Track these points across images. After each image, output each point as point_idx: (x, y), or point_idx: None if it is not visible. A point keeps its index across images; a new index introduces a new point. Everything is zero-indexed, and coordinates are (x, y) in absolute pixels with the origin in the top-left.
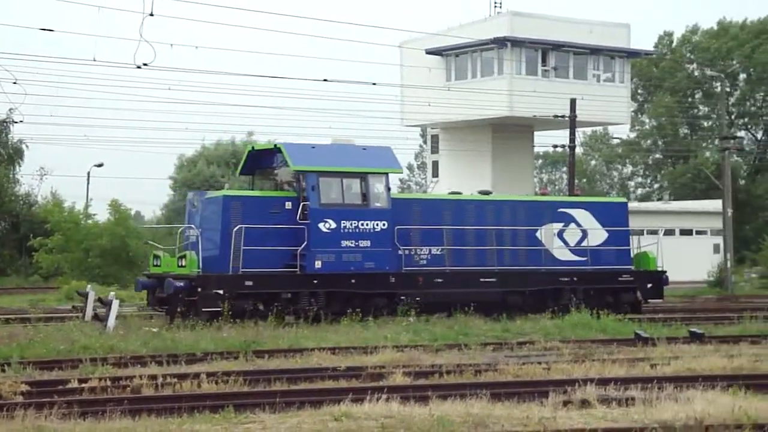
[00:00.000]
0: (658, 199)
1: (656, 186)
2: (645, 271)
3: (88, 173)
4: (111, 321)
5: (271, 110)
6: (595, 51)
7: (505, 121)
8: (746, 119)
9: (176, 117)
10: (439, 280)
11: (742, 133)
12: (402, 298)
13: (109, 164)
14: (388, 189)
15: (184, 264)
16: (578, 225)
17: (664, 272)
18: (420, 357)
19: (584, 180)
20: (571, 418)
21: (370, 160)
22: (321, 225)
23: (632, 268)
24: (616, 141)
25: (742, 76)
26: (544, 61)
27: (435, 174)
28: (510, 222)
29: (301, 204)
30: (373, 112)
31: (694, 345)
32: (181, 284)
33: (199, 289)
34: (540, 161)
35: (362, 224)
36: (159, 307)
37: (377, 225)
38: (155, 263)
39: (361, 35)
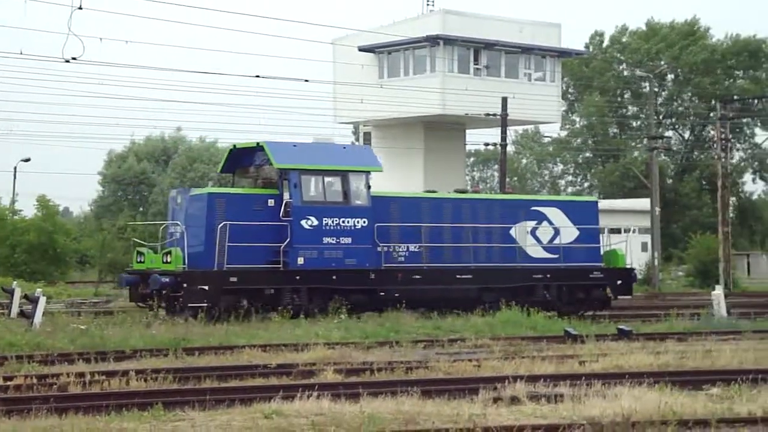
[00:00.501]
0: None
1: (586, 184)
2: (615, 268)
3: (15, 168)
4: (37, 318)
5: (201, 106)
6: (526, 50)
7: (437, 119)
8: (674, 119)
9: (105, 112)
10: (417, 277)
11: (669, 133)
12: (382, 294)
13: (37, 159)
14: (368, 187)
15: (169, 260)
16: (550, 223)
17: (633, 269)
18: (351, 354)
19: (515, 178)
20: (501, 415)
21: (350, 159)
22: (303, 222)
23: (603, 265)
24: (547, 139)
25: (670, 76)
26: (476, 59)
27: None
28: (485, 220)
29: (284, 201)
30: (305, 109)
31: (622, 342)
32: (167, 280)
33: (185, 285)
34: (472, 159)
35: (343, 221)
36: (142, 303)
37: (358, 222)
38: (139, 260)
39: (294, 32)
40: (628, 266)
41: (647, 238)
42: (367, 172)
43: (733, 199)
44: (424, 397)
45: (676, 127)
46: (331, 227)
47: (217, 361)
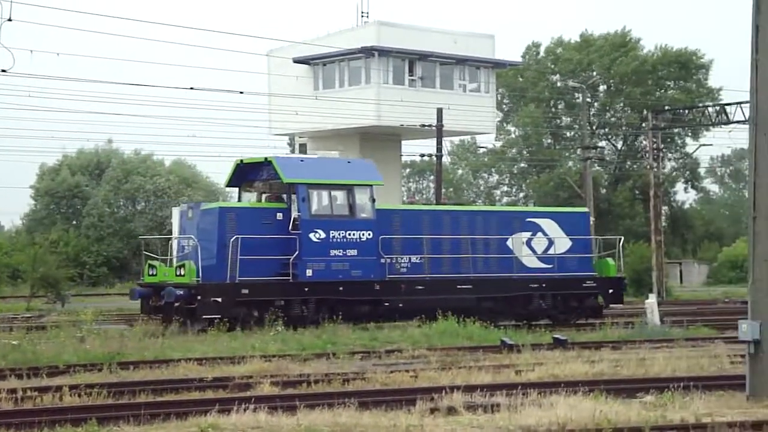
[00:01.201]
0: None
1: (521, 195)
2: (606, 277)
3: None
4: None
5: (135, 118)
6: (461, 61)
7: (372, 130)
8: (607, 129)
9: (36, 125)
10: (420, 287)
11: (603, 143)
12: (386, 304)
13: None
14: (373, 200)
15: (183, 273)
16: (545, 234)
17: (623, 278)
18: (288, 366)
19: (451, 189)
20: (438, 426)
21: (354, 173)
22: (311, 235)
23: (596, 274)
24: (482, 150)
25: (603, 87)
26: (411, 70)
27: None
28: (483, 231)
29: (293, 215)
30: (240, 121)
31: (557, 351)
32: (182, 293)
33: (199, 297)
34: (408, 170)
35: (349, 234)
36: (154, 315)
37: (363, 235)
38: (151, 273)
39: (229, 43)
40: (619, 275)
41: None
42: (371, 186)
43: (665, 208)
44: (361, 408)
45: (609, 137)
46: (338, 240)
47: (152, 375)
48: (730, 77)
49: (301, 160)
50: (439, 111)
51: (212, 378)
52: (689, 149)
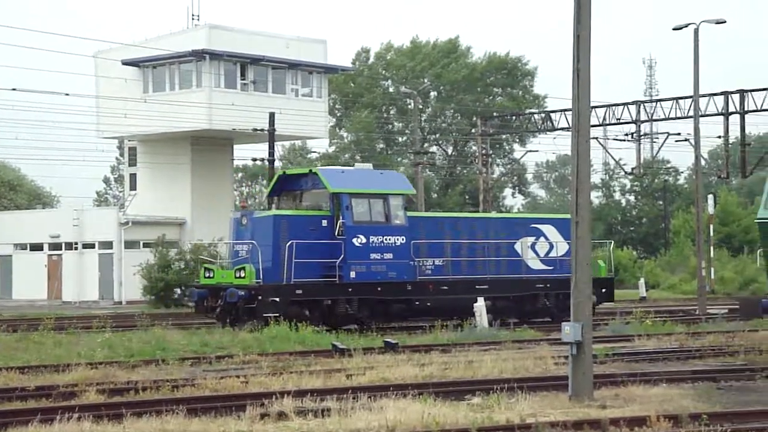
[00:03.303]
0: None
1: None
2: (599, 278)
3: None
4: None
5: None
6: (293, 66)
7: (204, 134)
8: (438, 135)
9: None
10: (445, 288)
11: (434, 149)
12: (416, 303)
13: None
14: (405, 208)
15: (243, 275)
16: (546, 238)
17: (613, 279)
18: (115, 374)
19: None
20: (267, 431)
21: (388, 183)
22: (354, 240)
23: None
24: (315, 155)
25: (433, 93)
26: (242, 74)
27: (133, 187)
28: (495, 236)
29: (339, 222)
30: (66, 123)
31: (388, 355)
32: (243, 293)
33: (260, 297)
34: (240, 174)
35: (386, 239)
36: (210, 314)
37: (397, 240)
38: (207, 275)
39: (54, 44)
40: (609, 275)
41: None
42: (404, 195)
43: (494, 212)
44: (191, 415)
45: (440, 142)
46: (377, 244)
47: None
48: (555, 85)
49: (342, 172)
50: (272, 115)
51: (35, 387)
52: (516, 155)
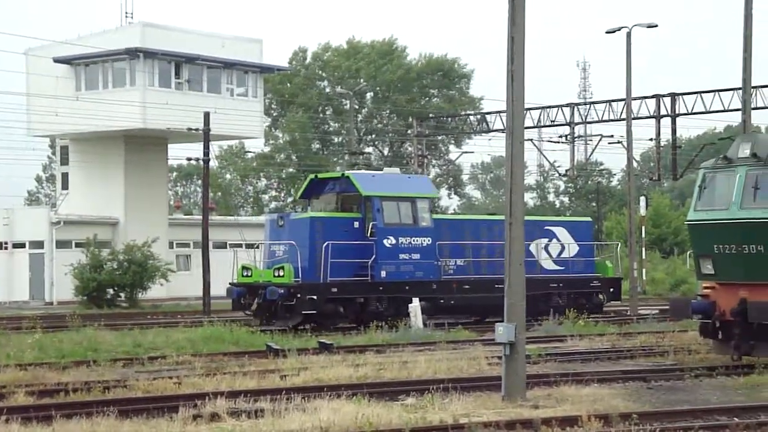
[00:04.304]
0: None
1: (290, 199)
2: (607, 277)
3: None
4: None
5: None
6: (228, 65)
7: (138, 133)
8: (374, 136)
9: None
10: (467, 287)
11: (370, 149)
12: (441, 301)
13: None
14: (430, 211)
15: (281, 274)
16: (558, 240)
17: (620, 278)
18: (45, 375)
19: (219, 193)
20: None
21: (415, 187)
22: (385, 241)
23: (600, 275)
24: (250, 155)
25: (370, 94)
26: (177, 73)
27: (65, 186)
28: None
29: (371, 223)
30: None
31: (323, 355)
32: (282, 291)
33: (298, 295)
34: (175, 174)
35: (413, 240)
36: (248, 311)
37: (424, 241)
38: (245, 274)
39: None
40: (617, 276)
41: None
42: (430, 198)
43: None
44: (122, 417)
45: (376, 143)
46: (405, 245)
47: None
48: (490, 87)
49: (373, 176)
50: (206, 115)
51: None
52: (452, 156)
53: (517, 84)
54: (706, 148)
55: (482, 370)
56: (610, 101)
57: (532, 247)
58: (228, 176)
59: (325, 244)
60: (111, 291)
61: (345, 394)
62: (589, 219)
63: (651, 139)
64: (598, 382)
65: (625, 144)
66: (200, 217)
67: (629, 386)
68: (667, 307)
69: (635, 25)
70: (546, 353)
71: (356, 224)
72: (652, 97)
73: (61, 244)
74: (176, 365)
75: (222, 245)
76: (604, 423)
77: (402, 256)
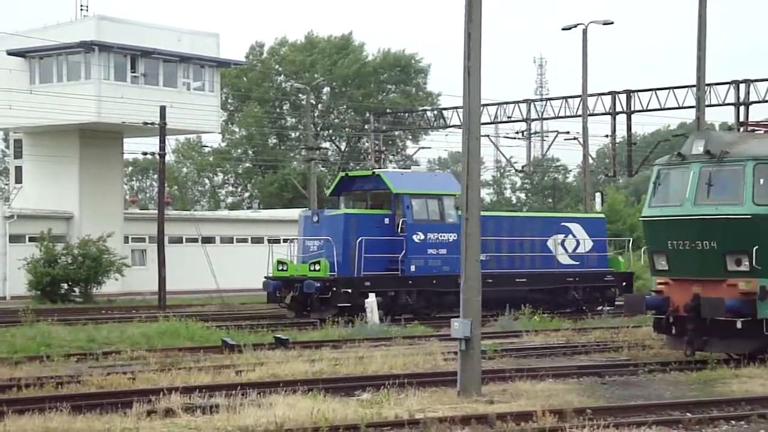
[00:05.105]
0: (248, 208)
1: (246, 195)
2: (619, 272)
3: None
4: None
5: None
6: (185, 59)
7: (93, 126)
8: (330, 131)
9: None
10: (490, 281)
11: (327, 144)
12: None
13: None
14: (456, 207)
15: (317, 269)
16: (574, 236)
17: (632, 273)
18: None
19: (175, 188)
20: (154, 428)
21: (442, 184)
22: (414, 236)
23: (613, 269)
24: (207, 149)
25: (327, 89)
26: (133, 67)
27: (19, 180)
28: (530, 234)
29: (401, 220)
30: None
31: (278, 351)
32: (318, 285)
33: (334, 289)
34: (131, 168)
35: (440, 236)
36: (282, 304)
37: (450, 236)
38: (280, 268)
39: None
40: (628, 270)
41: None
42: (456, 195)
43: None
44: (75, 412)
45: (333, 138)
46: (433, 241)
47: None
48: (447, 83)
49: (402, 174)
50: (162, 109)
51: None
52: (409, 151)
53: (473, 80)
54: (661, 144)
55: (438, 366)
56: (566, 98)
57: (549, 243)
58: (185, 170)
59: (359, 239)
60: (65, 286)
61: (301, 390)
62: (602, 215)
63: (606, 136)
64: (553, 378)
65: (580, 140)
66: (156, 211)
67: (584, 381)
68: (622, 302)
69: (591, 22)
70: (502, 349)
71: (387, 220)
72: (608, 93)
73: (15, 239)
74: (131, 360)
75: (178, 240)
76: (558, 418)
77: (430, 251)
